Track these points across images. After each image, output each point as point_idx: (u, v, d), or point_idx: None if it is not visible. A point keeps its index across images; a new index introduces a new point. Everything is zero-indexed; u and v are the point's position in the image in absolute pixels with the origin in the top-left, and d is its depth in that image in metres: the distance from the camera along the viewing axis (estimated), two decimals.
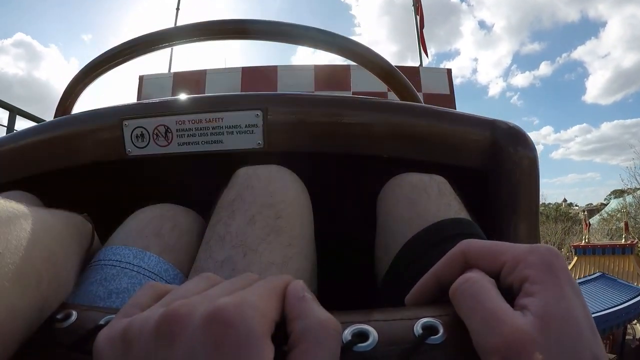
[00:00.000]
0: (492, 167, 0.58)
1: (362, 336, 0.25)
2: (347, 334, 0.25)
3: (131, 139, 0.60)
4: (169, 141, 0.60)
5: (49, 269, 0.31)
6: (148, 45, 0.67)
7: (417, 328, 0.25)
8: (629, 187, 20.90)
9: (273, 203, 0.46)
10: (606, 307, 7.02)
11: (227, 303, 0.21)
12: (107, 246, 0.46)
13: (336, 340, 0.23)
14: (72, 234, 0.39)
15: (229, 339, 0.20)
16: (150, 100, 0.63)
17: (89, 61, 0.67)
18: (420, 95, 0.80)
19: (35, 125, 0.63)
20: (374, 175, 0.57)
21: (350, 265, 0.50)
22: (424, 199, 0.49)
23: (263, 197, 0.47)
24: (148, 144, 0.60)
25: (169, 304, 0.23)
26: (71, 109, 0.70)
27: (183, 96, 0.63)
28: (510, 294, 0.26)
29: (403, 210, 0.49)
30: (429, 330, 0.25)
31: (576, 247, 10.24)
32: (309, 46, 0.72)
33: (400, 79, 0.69)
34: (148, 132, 0.60)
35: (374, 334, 0.25)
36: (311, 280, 0.45)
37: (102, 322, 0.28)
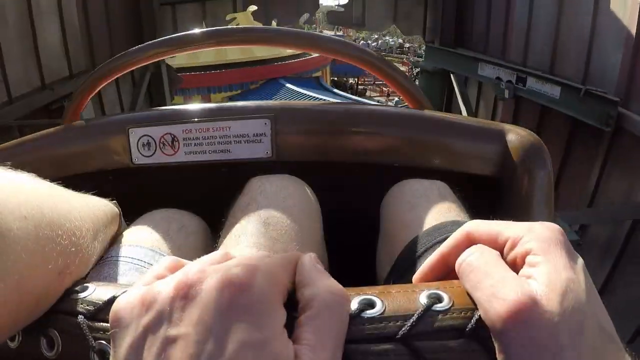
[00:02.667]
0: (504, 176, 0.57)
1: (370, 304, 0.26)
2: (356, 302, 0.26)
3: (137, 147, 0.60)
4: (176, 150, 0.60)
5: (73, 241, 0.32)
6: (163, 49, 0.67)
7: (423, 297, 0.26)
8: None
9: (285, 207, 0.49)
10: None
11: (241, 269, 0.23)
12: (117, 245, 0.47)
13: (344, 306, 0.24)
14: (98, 217, 0.41)
15: (242, 301, 0.22)
16: (157, 109, 0.64)
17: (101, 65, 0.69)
18: None
19: (43, 132, 0.63)
20: (381, 182, 0.57)
21: (354, 267, 0.52)
22: (424, 203, 0.51)
23: (276, 201, 0.50)
24: (154, 152, 0.60)
25: (187, 272, 0.24)
26: (79, 112, 0.70)
27: (190, 105, 0.62)
28: (514, 268, 0.26)
29: (404, 214, 0.51)
30: (434, 298, 0.26)
31: None
32: (317, 53, 0.74)
33: (410, 86, 0.70)
34: (154, 141, 0.60)
35: (381, 302, 0.26)
36: None
37: (119, 293, 0.28)
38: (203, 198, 0.57)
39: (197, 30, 0.66)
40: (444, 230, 0.45)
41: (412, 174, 0.57)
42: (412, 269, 0.43)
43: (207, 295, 0.22)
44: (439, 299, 0.26)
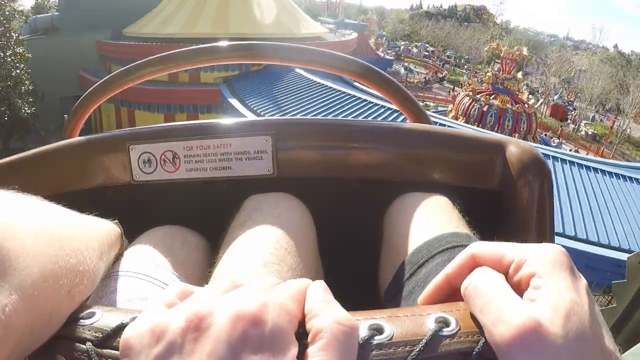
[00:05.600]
0: (504, 189, 0.58)
1: (378, 330, 0.26)
2: (365, 328, 0.26)
3: (138, 164, 0.60)
4: (177, 167, 0.60)
5: (81, 260, 0.33)
6: (166, 65, 0.67)
7: (431, 321, 0.27)
8: None
9: (281, 224, 0.50)
10: None
11: (253, 301, 0.23)
12: (121, 260, 0.48)
13: (353, 337, 0.24)
14: (102, 237, 0.41)
15: (256, 335, 0.22)
16: (157, 126, 0.63)
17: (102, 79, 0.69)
18: None
19: (43, 148, 0.63)
20: (382, 196, 0.59)
21: (354, 282, 0.51)
22: (425, 215, 0.52)
23: (272, 219, 0.51)
24: (155, 169, 0.60)
25: (198, 302, 0.24)
26: (79, 128, 0.71)
27: (190, 122, 0.62)
28: (519, 290, 0.26)
29: (406, 226, 0.52)
30: (442, 323, 0.26)
31: None
32: (305, 66, 0.70)
33: (408, 99, 0.70)
34: (155, 158, 0.60)
35: (390, 327, 0.26)
36: None
37: (128, 320, 0.28)
38: (204, 215, 0.58)
39: (207, 45, 0.66)
40: (444, 241, 0.46)
41: (413, 188, 0.58)
42: (412, 280, 0.45)
43: (219, 328, 0.22)
44: (446, 323, 0.26)
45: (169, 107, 11.72)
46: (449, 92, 27.07)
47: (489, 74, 13.38)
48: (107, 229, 0.44)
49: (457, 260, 0.31)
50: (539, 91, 31.23)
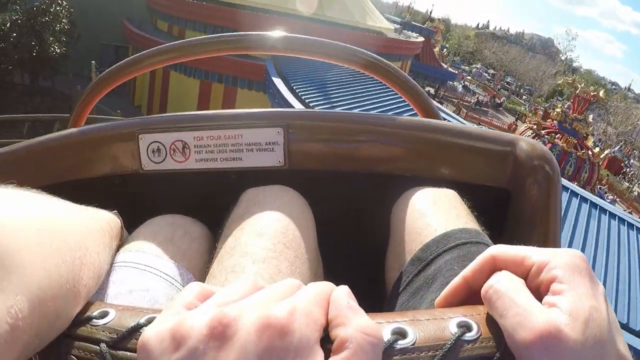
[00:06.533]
0: (512, 186, 0.57)
1: (402, 334, 0.26)
2: (388, 332, 0.26)
3: (147, 153, 0.59)
4: (187, 157, 0.59)
5: (84, 253, 0.33)
6: (174, 54, 0.67)
7: (453, 326, 0.27)
8: None
9: (279, 218, 0.49)
10: None
11: (281, 309, 0.22)
12: (124, 250, 0.48)
13: (379, 346, 0.23)
14: (104, 229, 0.41)
15: (283, 345, 0.21)
16: (167, 115, 0.62)
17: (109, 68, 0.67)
18: None
19: (52, 136, 0.63)
20: (390, 191, 0.58)
21: (360, 278, 0.49)
22: (433, 210, 0.51)
23: (269, 212, 0.50)
24: (164, 159, 0.59)
25: (219, 305, 0.23)
26: (86, 116, 0.70)
27: (201, 112, 0.61)
28: (538, 294, 0.27)
29: (414, 221, 0.51)
30: (464, 327, 0.26)
31: None
32: (322, 59, 0.69)
33: (419, 94, 0.69)
34: (164, 147, 0.59)
35: (413, 331, 0.26)
36: None
37: (144, 320, 0.28)
38: (210, 205, 0.57)
39: (201, 38, 0.66)
40: (453, 237, 0.45)
41: (421, 184, 0.57)
42: (421, 276, 0.44)
43: (244, 337, 0.21)
44: (468, 328, 0.26)
45: (207, 74, 10.60)
46: (514, 122, 25.14)
47: (558, 109, 11.96)
48: (107, 220, 0.44)
49: (476, 263, 0.30)
50: (599, 139, 28.93)
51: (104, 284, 0.41)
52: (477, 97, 29.21)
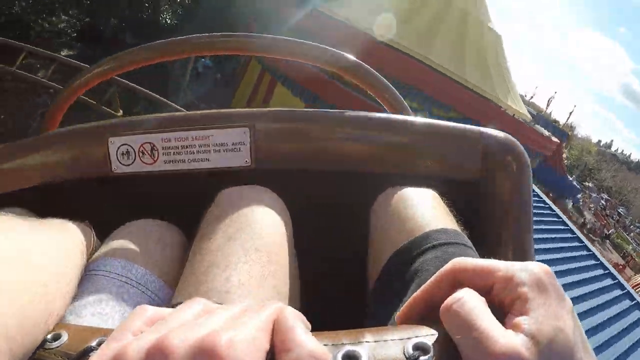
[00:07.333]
0: (483, 179, 0.58)
1: (353, 358, 0.25)
2: (338, 357, 0.25)
3: (117, 156, 0.60)
4: (155, 159, 0.60)
5: (54, 279, 0.33)
6: (152, 55, 0.69)
7: (408, 348, 0.26)
8: None
9: (254, 220, 0.49)
10: None
11: (220, 337, 0.22)
12: (95, 258, 0.48)
13: None
14: (74, 249, 0.41)
15: None
16: (136, 118, 0.63)
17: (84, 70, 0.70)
18: None
19: (24, 141, 0.64)
20: (366, 190, 0.58)
21: (340, 278, 0.52)
22: (412, 211, 0.51)
23: (245, 214, 0.49)
24: (134, 161, 0.60)
25: (160, 332, 0.23)
26: (59, 120, 0.73)
27: (169, 114, 0.62)
28: (501, 311, 0.26)
29: (392, 222, 0.51)
30: (420, 350, 0.26)
31: None
32: (293, 59, 0.70)
33: (388, 91, 0.71)
34: (134, 150, 0.60)
35: (364, 356, 0.25)
36: (292, 294, 0.46)
37: (93, 344, 0.28)
38: (182, 207, 0.57)
39: (180, 38, 0.68)
40: (431, 238, 0.45)
41: (396, 181, 0.57)
42: (398, 278, 0.44)
43: None
44: (424, 351, 0.26)
45: (315, 98, 9.24)
46: (623, 264, 21.46)
47: None
48: (77, 235, 0.43)
49: (437, 276, 0.30)
50: None
51: (75, 292, 0.40)
52: (585, 221, 25.61)
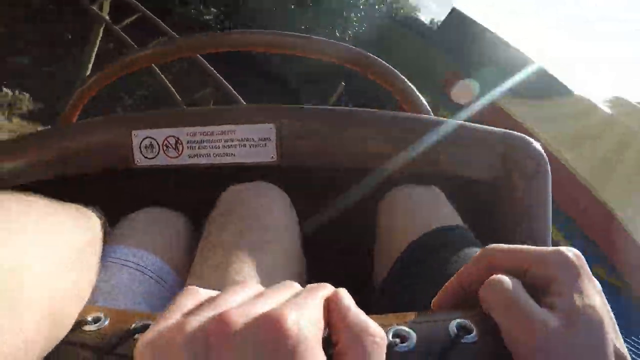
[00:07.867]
0: (503, 181, 0.58)
1: (402, 337, 0.26)
2: (389, 335, 0.26)
3: (140, 149, 0.60)
4: (179, 152, 0.60)
5: (78, 266, 0.32)
6: (167, 53, 0.72)
7: (452, 328, 0.27)
8: None
9: (260, 216, 0.49)
10: None
11: (281, 312, 0.21)
12: (105, 245, 0.47)
13: (383, 348, 0.23)
14: (95, 230, 0.40)
15: (284, 349, 0.20)
16: (160, 111, 0.64)
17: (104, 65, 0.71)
18: None
19: (44, 130, 0.66)
20: (378, 186, 0.59)
21: (347, 273, 0.50)
22: (420, 209, 0.52)
23: (251, 210, 0.50)
24: (157, 154, 0.60)
25: (218, 309, 0.22)
26: (78, 112, 0.74)
27: (194, 108, 0.64)
28: (535, 295, 0.27)
29: (401, 219, 0.53)
30: (463, 329, 0.26)
31: None
32: (305, 55, 0.74)
33: (408, 89, 0.71)
34: (157, 143, 0.60)
35: (412, 334, 0.26)
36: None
37: (136, 325, 0.28)
38: (203, 201, 0.57)
39: (199, 35, 0.73)
40: (439, 236, 0.46)
41: (408, 179, 0.59)
42: (410, 273, 0.45)
43: (245, 342, 0.20)
44: (468, 330, 0.26)
45: None
46: None
47: None
48: (94, 221, 0.42)
49: (473, 263, 0.30)
50: None
51: None
52: None
